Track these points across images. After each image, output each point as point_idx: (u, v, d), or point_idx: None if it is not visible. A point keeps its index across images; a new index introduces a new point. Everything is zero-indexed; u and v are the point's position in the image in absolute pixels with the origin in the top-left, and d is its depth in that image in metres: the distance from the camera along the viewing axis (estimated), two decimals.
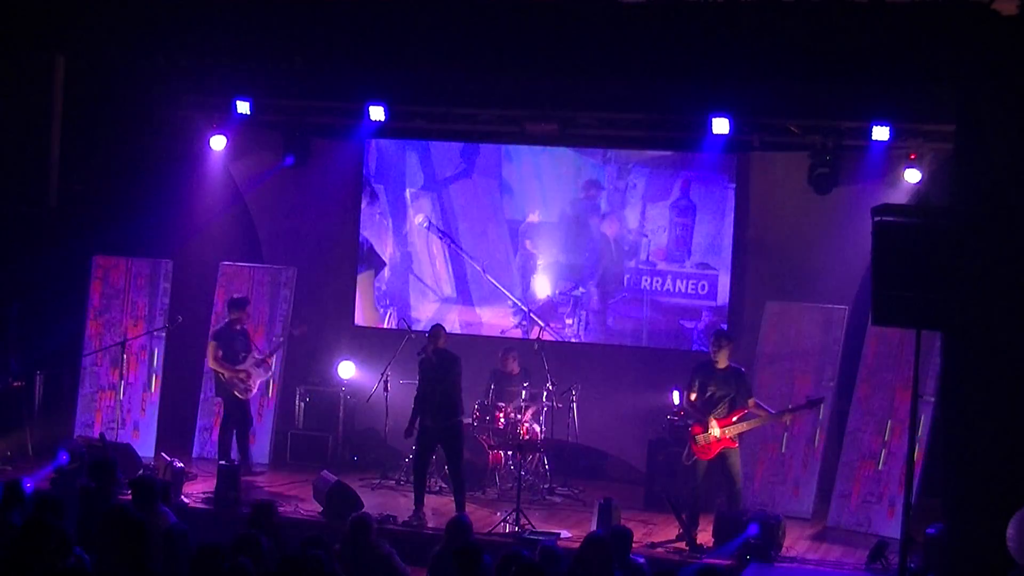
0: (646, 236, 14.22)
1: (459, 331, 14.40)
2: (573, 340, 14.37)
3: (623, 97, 13.55)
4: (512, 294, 14.49)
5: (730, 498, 11.48)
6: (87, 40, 11.65)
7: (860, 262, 11.75)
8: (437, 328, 11.97)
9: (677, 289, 14.14)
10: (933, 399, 11.91)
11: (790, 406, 11.92)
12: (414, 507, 11.69)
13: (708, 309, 14.02)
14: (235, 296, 13.67)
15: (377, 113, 13.85)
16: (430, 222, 14.75)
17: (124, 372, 13.41)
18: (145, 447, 13.52)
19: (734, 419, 11.36)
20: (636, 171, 14.23)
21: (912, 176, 12.87)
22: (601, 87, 13.48)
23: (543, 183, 14.49)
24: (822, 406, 12.23)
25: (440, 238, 14.71)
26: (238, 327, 13.27)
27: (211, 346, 13.26)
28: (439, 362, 11.71)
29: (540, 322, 14.18)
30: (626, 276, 14.28)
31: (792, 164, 13.52)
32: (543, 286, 14.48)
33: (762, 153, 13.80)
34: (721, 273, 13.98)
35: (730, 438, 11.37)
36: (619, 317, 14.33)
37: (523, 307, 14.40)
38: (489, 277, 14.56)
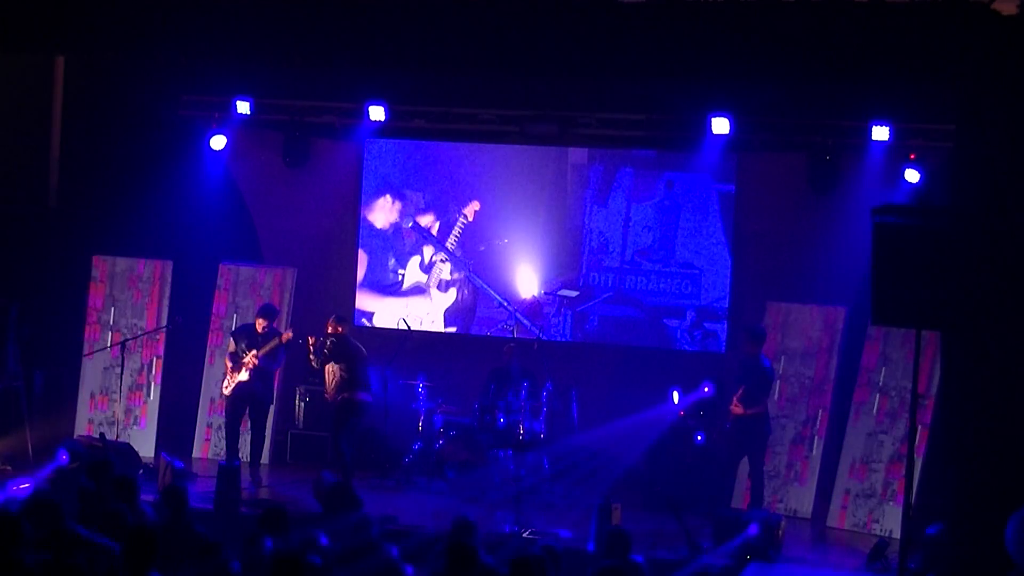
0: (630, 235, 14.24)
1: (454, 330, 14.38)
2: (558, 339, 14.38)
3: (623, 97, 13.55)
4: (498, 294, 14.49)
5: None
6: (87, 40, 11.64)
7: (860, 262, 11.73)
8: (335, 318, 12.66)
9: (660, 288, 14.17)
10: (933, 399, 11.92)
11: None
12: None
13: (691, 308, 14.05)
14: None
15: (377, 113, 13.85)
16: (414, 222, 14.75)
17: (123, 372, 13.41)
18: (145, 447, 13.52)
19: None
20: (622, 171, 14.26)
21: (912, 176, 12.87)
22: (601, 87, 13.48)
23: (530, 182, 14.49)
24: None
25: (426, 238, 14.70)
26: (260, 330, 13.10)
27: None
28: (335, 346, 12.45)
29: (525, 322, 14.20)
30: (610, 276, 14.30)
31: (792, 164, 13.52)
32: (528, 286, 14.49)
33: (762, 153, 13.80)
34: (705, 272, 14.02)
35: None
36: (603, 316, 14.35)
37: (509, 307, 14.40)
38: (475, 277, 14.57)
